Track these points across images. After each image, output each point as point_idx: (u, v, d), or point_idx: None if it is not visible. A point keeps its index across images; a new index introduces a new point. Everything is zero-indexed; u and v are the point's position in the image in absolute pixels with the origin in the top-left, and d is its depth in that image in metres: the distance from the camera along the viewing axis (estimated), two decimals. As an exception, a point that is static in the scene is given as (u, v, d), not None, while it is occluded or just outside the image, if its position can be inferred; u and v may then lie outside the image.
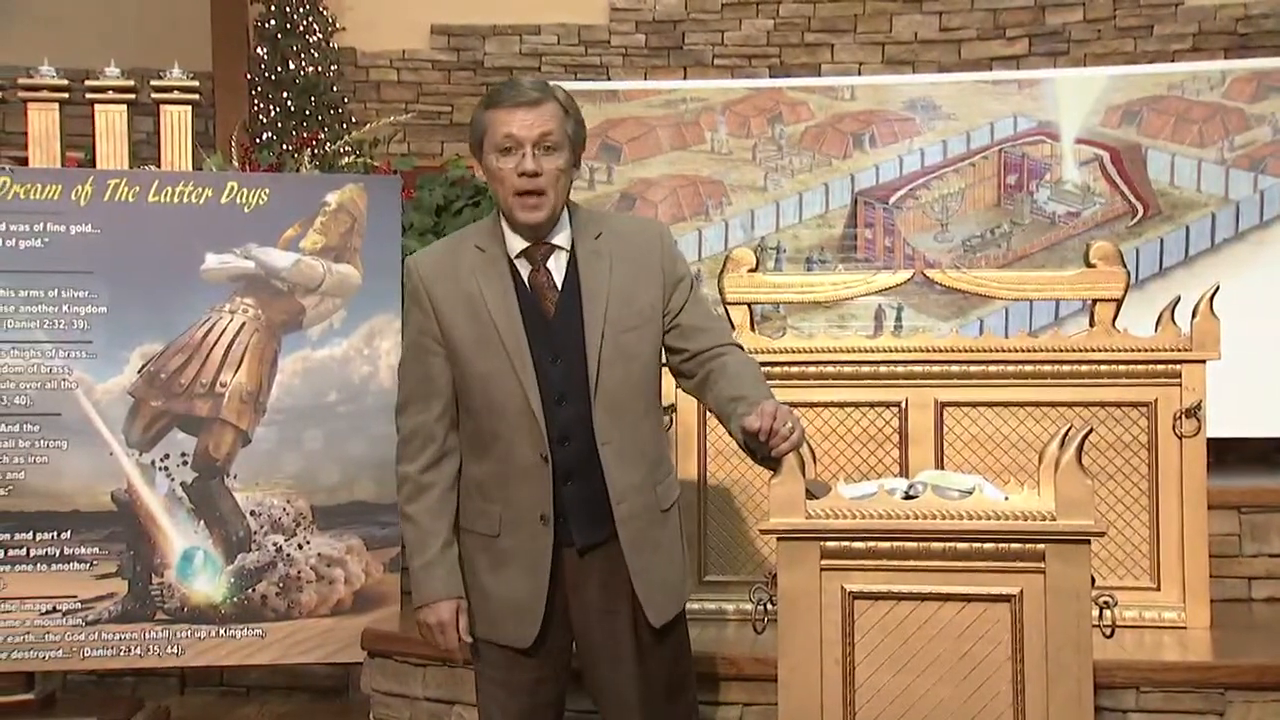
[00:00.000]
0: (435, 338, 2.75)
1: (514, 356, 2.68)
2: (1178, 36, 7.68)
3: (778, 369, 3.97)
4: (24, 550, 4.20)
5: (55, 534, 4.21)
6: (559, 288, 2.75)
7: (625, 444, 2.72)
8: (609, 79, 7.87)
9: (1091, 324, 4.03)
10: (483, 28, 8.41)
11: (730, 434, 2.72)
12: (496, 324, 2.70)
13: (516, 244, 2.75)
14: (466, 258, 2.76)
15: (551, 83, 2.76)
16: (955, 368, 3.98)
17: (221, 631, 4.29)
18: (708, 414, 3.82)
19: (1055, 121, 6.79)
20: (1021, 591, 2.57)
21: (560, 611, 2.76)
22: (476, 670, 2.88)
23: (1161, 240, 6.64)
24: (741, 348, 2.87)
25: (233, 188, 4.38)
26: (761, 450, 2.60)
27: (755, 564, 3.96)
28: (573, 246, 2.77)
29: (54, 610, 4.21)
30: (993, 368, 3.97)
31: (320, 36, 7.64)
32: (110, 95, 4.49)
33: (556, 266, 2.76)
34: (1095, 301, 4.02)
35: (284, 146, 6.68)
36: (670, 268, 2.82)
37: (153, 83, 4.55)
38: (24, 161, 4.48)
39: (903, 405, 3.99)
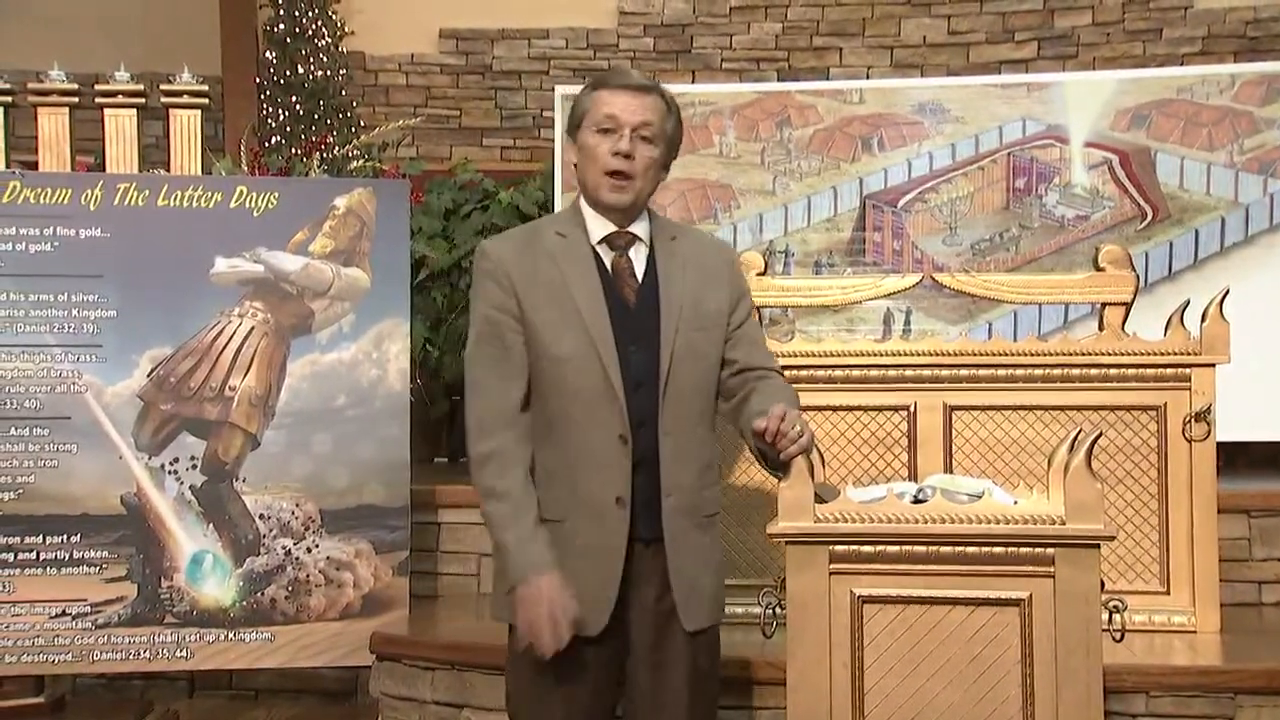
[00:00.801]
0: (515, 316, 2.72)
1: (597, 339, 2.67)
2: (1187, 40, 7.68)
3: (786, 373, 3.95)
4: (34, 554, 4.21)
5: (65, 537, 4.22)
6: (639, 277, 2.76)
7: (683, 440, 2.71)
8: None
9: (1100, 328, 4.02)
10: (491, 31, 8.42)
11: (750, 448, 2.75)
12: (580, 306, 2.69)
13: (598, 230, 2.76)
14: (546, 243, 2.76)
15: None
16: (964, 371, 3.97)
17: (230, 635, 4.29)
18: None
19: (1064, 125, 6.79)
20: (1031, 595, 2.57)
21: (620, 609, 2.69)
22: (520, 674, 2.76)
23: (1171, 244, 6.63)
24: (784, 376, 2.89)
25: (242, 192, 4.39)
26: (771, 454, 2.60)
27: (764, 568, 3.96)
28: (651, 242, 2.79)
29: (63, 613, 4.22)
30: (1001, 371, 3.96)
31: (329, 40, 7.67)
32: (120, 99, 4.51)
33: (637, 257, 2.78)
34: (1104, 305, 4.01)
35: (293, 150, 6.70)
36: (738, 282, 2.88)
37: (162, 87, 4.57)
38: (34, 165, 4.49)
39: (911, 409, 3.99)
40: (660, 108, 2.74)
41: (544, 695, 2.71)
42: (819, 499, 2.63)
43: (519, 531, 2.65)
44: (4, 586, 4.19)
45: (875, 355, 4.00)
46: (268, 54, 7.67)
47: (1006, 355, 3.96)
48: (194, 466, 4.29)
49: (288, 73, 7.58)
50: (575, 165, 2.81)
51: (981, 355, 3.97)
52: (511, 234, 2.91)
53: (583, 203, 2.80)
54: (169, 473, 4.27)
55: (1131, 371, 3.91)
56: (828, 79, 7.88)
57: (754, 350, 2.86)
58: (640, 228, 2.79)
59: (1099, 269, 4.03)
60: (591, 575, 2.66)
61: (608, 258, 2.76)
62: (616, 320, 2.71)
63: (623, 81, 2.74)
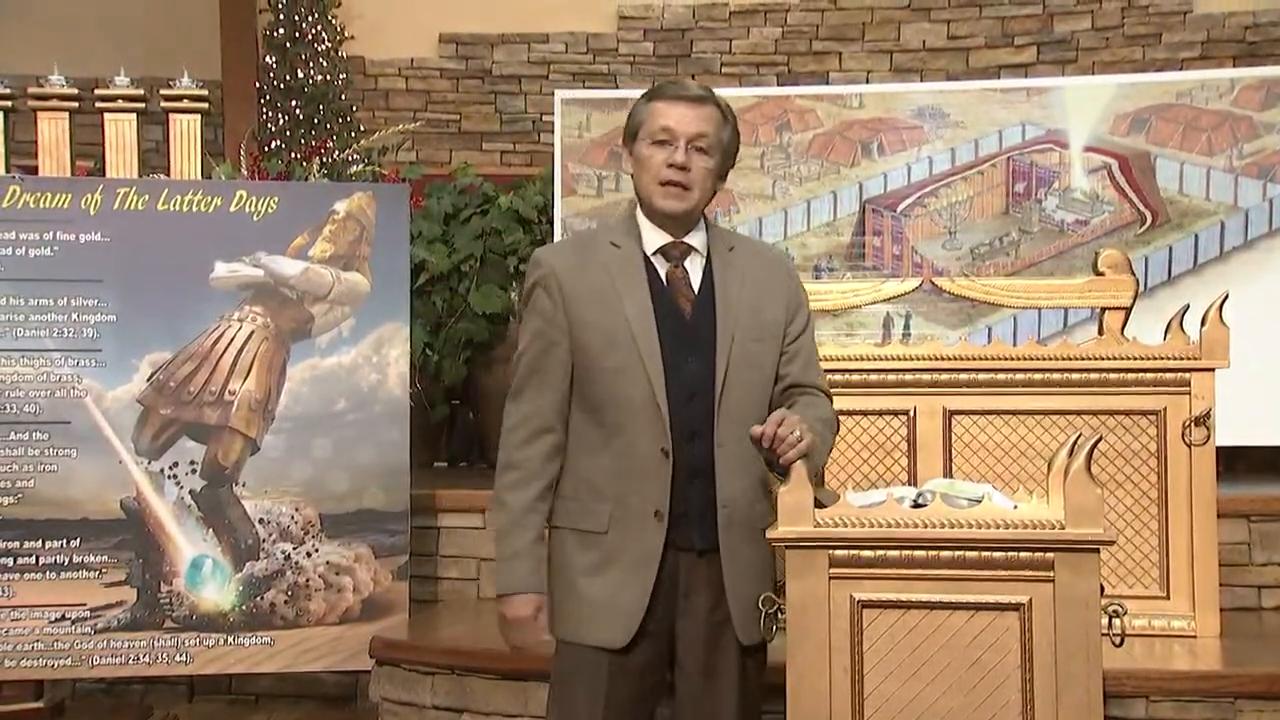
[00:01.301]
0: (562, 328, 2.72)
1: (644, 351, 2.67)
2: (1186, 44, 7.69)
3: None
4: (33, 558, 4.21)
5: (64, 542, 4.22)
6: (695, 288, 2.76)
7: (737, 451, 2.69)
8: (617, 87, 7.89)
9: (1100, 332, 4.02)
10: (491, 36, 8.43)
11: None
12: (629, 318, 2.69)
13: (654, 240, 2.76)
14: (600, 253, 2.76)
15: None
16: (963, 376, 3.97)
17: (230, 639, 4.29)
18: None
19: (1064, 129, 6.79)
20: (1030, 600, 2.57)
21: (666, 619, 2.70)
22: (559, 680, 2.77)
23: (1170, 248, 6.63)
24: (832, 401, 2.88)
25: (242, 196, 4.39)
26: (770, 458, 2.60)
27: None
28: (708, 253, 2.79)
29: (63, 618, 4.22)
30: (1001, 376, 3.96)
31: (329, 45, 7.67)
32: (120, 104, 4.52)
33: (693, 268, 2.77)
34: (1104, 310, 4.01)
35: (293, 155, 6.69)
36: (795, 293, 2.87)
37: (162, 91, 4.57)
38: (34, 170, 4.50)
39: (911, 413, 3.99)
40: (716, 118, 2.73)
41: (574, 709, 2.72)
42: (818, 504, 2.63)
43: (512, 548, 2.70)
44: (3, 591, 4.19)
45: (875, 360, 4.00)
46: (268, 58, 7.68)
47: (1006, 360, 3.96)
48: (194, 471, 4.29)
49: (288, 77, 7.58)
50: (631, 175, 2.80)
51: (981, 360, 3.97)
52: (565, 243, 2.93)
53: (638, 212, 2.79)
54: (169, 477, 4.27)
55: (1131, 376, 3.91)
56: (827, 83, 7.88)
57: (808, 368, 2.85)
58: (697, 239, 2.78)
59: (1098, 273, 4.03)
60: (626, 587, 2.67)
61: (662, 268, 2.75)
62: (671, 331, 2.70)
63: (678, 93, 2.73)
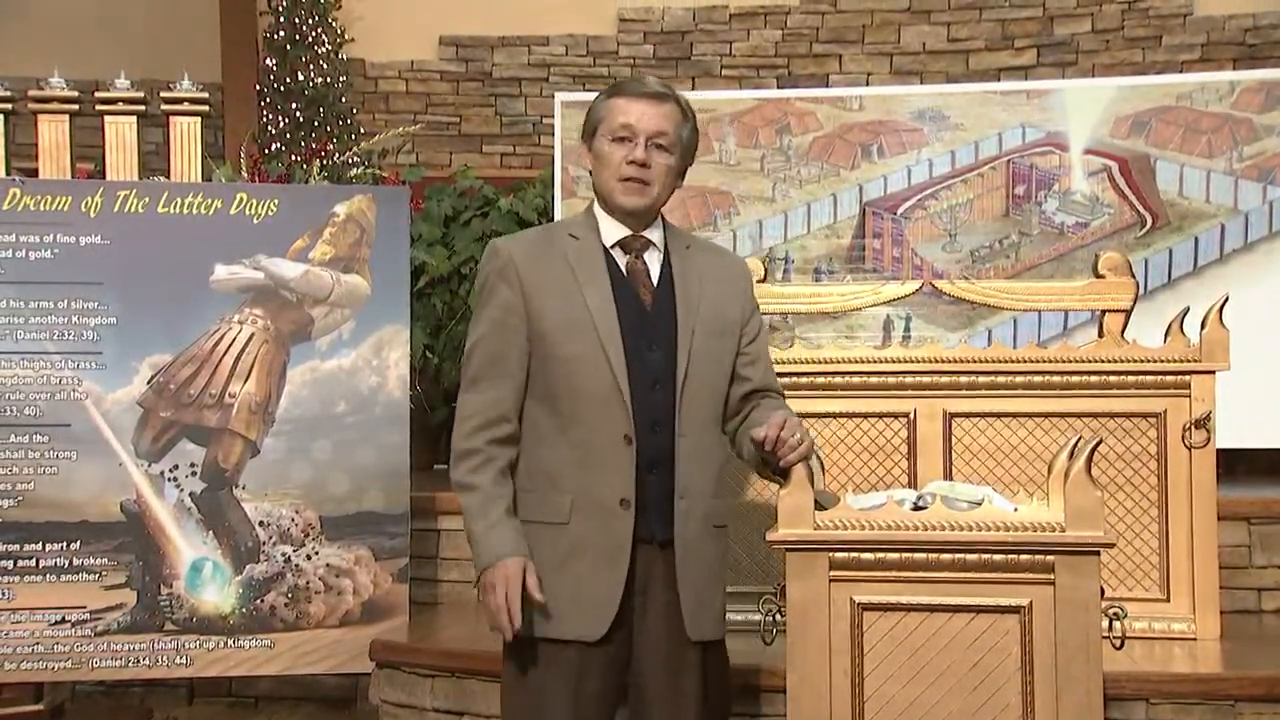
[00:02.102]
0: (521, 316, 2.71)
1: (605, 340, 2.67)
2: (1186, 47, 7.70)
3: (786, 379, 3.96)
4: (33, 561, 4.21)
5: (64, 544, 4.22)
6: (654, 280, 2.77)
7: (696, 443, 2.71)
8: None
9: (1100, 335, 4.02)
10: (491, 38, 8.44)
11: (743, 460, 2.79)
12: (590, 307, 2.69)
13: (613, 233, 2.77)
14: (559, 244, 2.77)
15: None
16: (964, 378, 3.97)
17: (230, 642, 4.29)
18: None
19: (1063, 132, 6.79)
20: (1031, 603, 2.57)
21: (627, 612, 2.67)
22: (519, 679, 2.73)
23: (1170, 251, 6.63)
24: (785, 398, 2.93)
25: (242, 198, 4.39)
26: (770, 461, 2.61)
27: (764, 575, 3.95)
28: (666, 249, 2.80)
29: (63, 621, 4.22)
30: (1001, 378, 3.96)
31: (329, 48, 7.69)
32: (120, 106, 4.51)
33: (652, 261, 2.79)
34: (1104, 312, 4.01)
35: (293, 157, 6.71)
36: (750, 296, 2.91)
37: (162, 94, 4.57)
38: (34, 173, 4.49)
39: (911, 416, 3.99)
40: (676, 116, 2.74)
41: (544, 706, 2.69)
42: (819, 506, 2.63)
43: (488, 520, 2.66)
44: (3, 593, 4.19)
45: (875, 362, 4.00)
46: (268, 61, 7.69)
47: (1006, 362, 3.96)
48: (194, 473, 4.28)
49: (288, 79, 7.59)
50: (590, 171, 2.81)
51: (981, 362, 3.97)
52: (524, 234, 2.92)
53: (597, 208, 2.81)
54: (169, 480, 4.27)
55: (1131, 378, 3.91)
56: (827, 86, 7.89)
57: (768, 373, 2.89)
58: (655, 234, 2.80)
59: (1099, 276, 4.03)
60: (596, 579, 2.66)
61: (622, 261, 2.77)
62: (631, 322, 2.71)
63: (639, 90, 2.73)
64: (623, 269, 2.76)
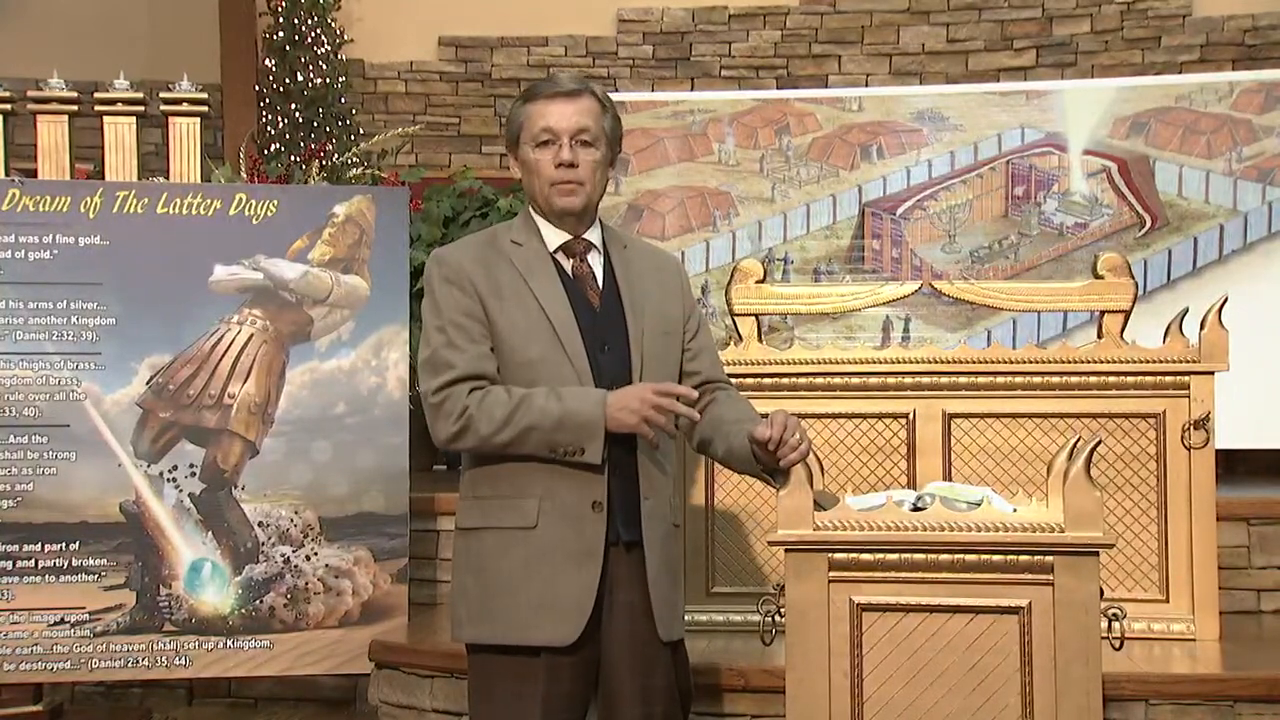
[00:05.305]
0: (481, 321, 2.70)
1: (566, 343, 2.68)
2: (1186, 48, 7.70)
3: (785, 380, 3.97)
4: (32, 561, 4.20)
5: (63, 545, 4.22)
6: (600, 282, 2.78)
7: (657, 442, 2.71)
8: (616, 90, 7.88)
9: (1099, 335, 4.02)
10: (490, 39, 8.44)
11: (713, 456, 2.82)
12: (547, 311, 2.69)
13: (554, 238, 2.78)
14: (504, 250, 2.76)
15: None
16: (963, 379, 3.97)
17: (229, 643, 4.29)
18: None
19: (1063, 133, 6.80)
20: (1030, 603, 2.57)
21: (596, 614, 2.66)
22: (486, 687, 2.72)
23: (1169, 251, 6.64)
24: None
25: (241, 199, 4.39)
26: (769, 461, 2.61)
27: (763, 575, 3.95)
28: (605, 251, 2.82)
29: (62, 621, 4.22)
30: (1000, 379, 3.96)
31: (328, 48, 7.68)
32: (119, 107, 4.51)
33: (595, 263, 2.80)
34: (1103, 313, 4.01)
35: (292, 158, 6.70)
36: (688, 293, 2.93)
37: (162, 94, 4.57)
38: (33, 173, 4.49)
39: (910, 417, 3.99)
40: (595, 109, 2.73)
41: (517, 713, 2.66)
42: (818, 507, 2.63)
43: (553, 394, 2.60)
44: (3, 594, 4.18)
45: (874, 363, 4.00)
46: (267, 62, 7.69)
47: (1005, 363, 3.97)
48: (193, 474, 4.28)
49: (287, 80, 7.59)
50: (520, 181, 2.81)
51: (980, 363, 3.97)
52: (465, 241, 2.88)
53: (534, 213, 2.81)
54: (168, 480, 4.27)
55: (1130, 379, 3.92)
56: (827, 87, 7.89)
57: (715, 365, 2.92)
58: (594, 235, 2.81)
59: (1098, 277, 4.03)
60: (566, 582, 2.64)
61: (567, 264, 2.77)
62: (585, 324, 2.72)
63: (553, 90, 2.72)
64: (569, 273, 2.77)
